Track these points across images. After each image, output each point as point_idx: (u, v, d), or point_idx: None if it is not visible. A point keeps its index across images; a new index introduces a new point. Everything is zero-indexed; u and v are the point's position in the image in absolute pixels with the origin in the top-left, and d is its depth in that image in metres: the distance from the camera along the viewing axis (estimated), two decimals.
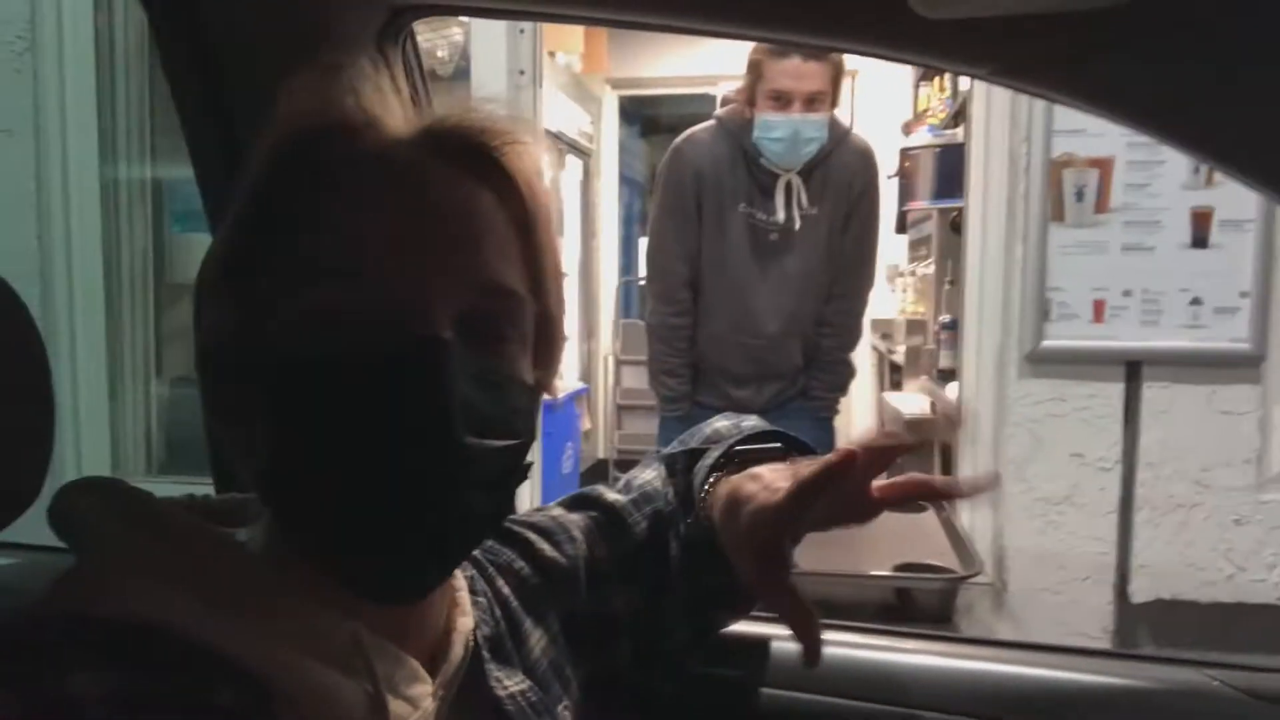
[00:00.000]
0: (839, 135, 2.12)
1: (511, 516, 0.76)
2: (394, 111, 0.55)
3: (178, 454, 2.44)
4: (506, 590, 0.69)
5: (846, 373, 2.26)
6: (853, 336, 2.27)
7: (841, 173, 2.13)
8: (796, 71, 1.99)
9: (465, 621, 0.62)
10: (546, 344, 0.60)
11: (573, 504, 0.81)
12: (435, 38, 2.86)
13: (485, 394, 0.51)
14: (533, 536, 0.74)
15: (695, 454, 0.80)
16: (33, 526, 0.59)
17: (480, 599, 0.66)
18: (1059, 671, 0.93)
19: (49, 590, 0.49)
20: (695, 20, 0.83)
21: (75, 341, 2.24)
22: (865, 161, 2.17)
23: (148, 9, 0.85)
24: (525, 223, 0.57)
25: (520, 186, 0.56)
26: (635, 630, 0.77)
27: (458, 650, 0.60)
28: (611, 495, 0.81)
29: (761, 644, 0.88)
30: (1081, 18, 0.62)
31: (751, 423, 0.81)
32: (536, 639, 0.69)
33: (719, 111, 2.23)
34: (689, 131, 2.22)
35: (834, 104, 2.06)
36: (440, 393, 0.49)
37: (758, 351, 2.16)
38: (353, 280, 0.50)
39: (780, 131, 2.02)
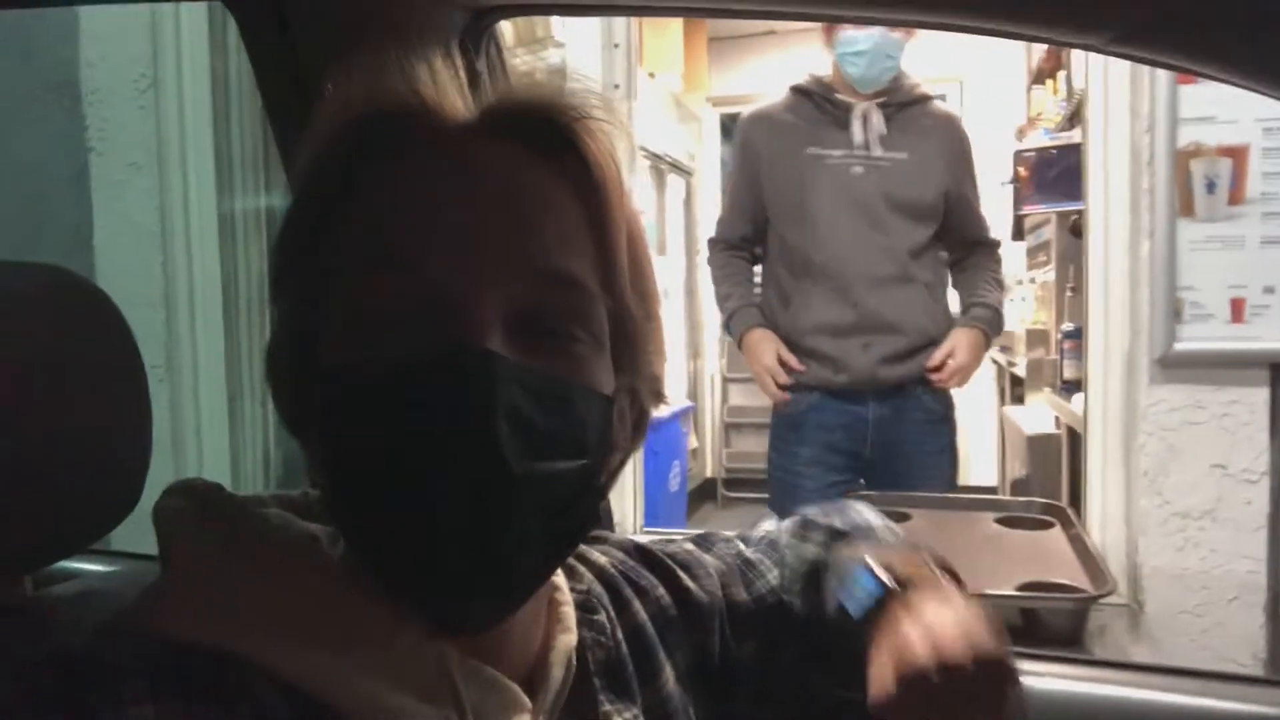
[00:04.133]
0: (919, 94, 2.13)
1: (649, 543, 0.71)
2: (453, 96, 0.51)
3: (294, 470, 2.50)
4: (643, 615, 0.64)
5: (995, 313, 2.17)
6: (1002, 281, 2.25)
7: (929, 128, 2.12)
8: None
9: (567, 639, 0.56)
10: (629, 344, 0.53)
11: (700, 542, 0.75)
12: (533, 60, 2.89)
13: (545, 408, 0.46)
14: (673, 566, 0.69)
15: (834, 533, 0.72)
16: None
17: (598, 617, 0.60)
18: (1207, 700, 0.86)
19: (131, 604, 0.48)
20: (795, 4, 0.80)
21: (197, 363, 2.33)
22: (954, 121, 2.20)
23: (236, 18, 0.86)
24: (597, 206, 0.50)
25: (591, 165, 0.50)
26: (763, 677, 0.70)
27: (556, 672, 0.54)
28: (738, 542, 0.76)
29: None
30: None
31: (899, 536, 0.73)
32: (668, 673, 0.63)
33: (793, 83, 2.23)
34: (754, 105, 2.28)
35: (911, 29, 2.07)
36: (484, 414, 0.43)
37: (856, 295, 2.04)
38: (394, 272, 0.46)
39: (862, 45, 2.01)
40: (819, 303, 2.06)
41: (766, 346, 2.10)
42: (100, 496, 0.69)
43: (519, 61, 2.70)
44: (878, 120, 2.05)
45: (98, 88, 2.31)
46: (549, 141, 0.50)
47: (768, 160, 2.15)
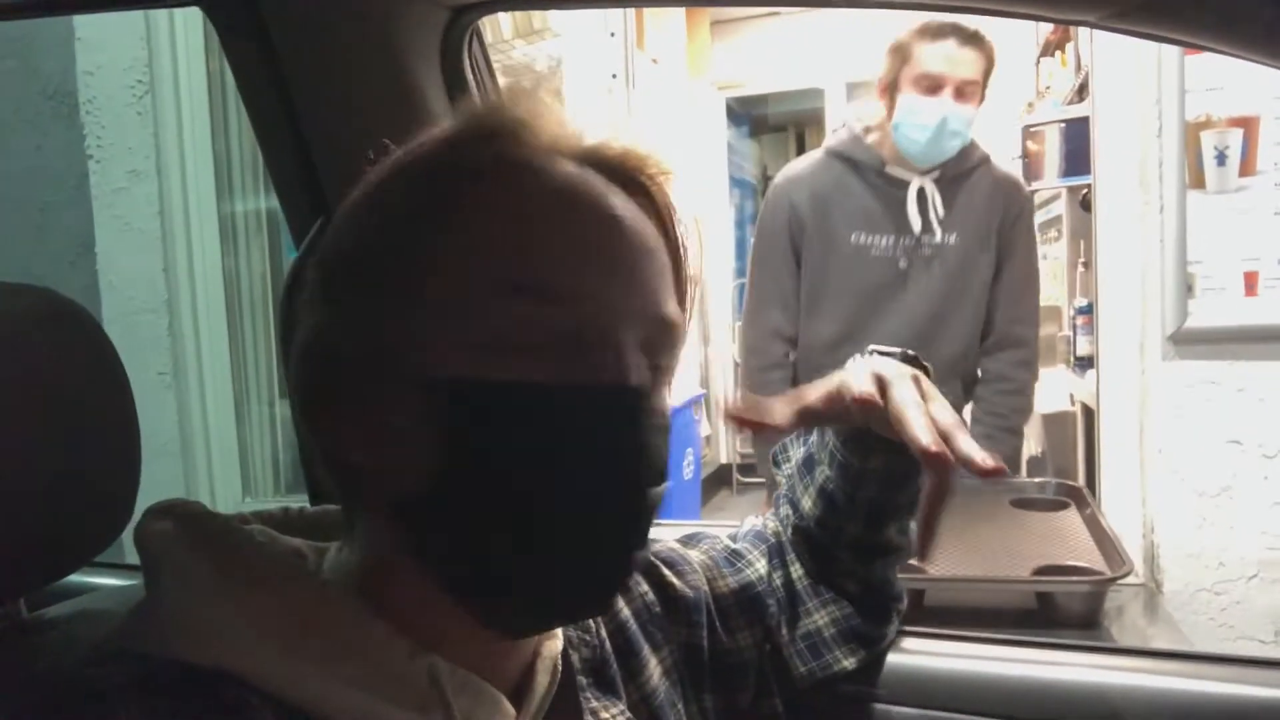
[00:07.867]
0: (979, 158, 1.87)
1: None
2: (560, 127, 0.51)
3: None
4: (626, 613, 0.66)
5: (1014, 444, 1.93)
6: (1029, 398, 1.91)
7: (985, 197, 1.85)
8: (950, 56, 1.74)
9: (552, 645, 0.58)
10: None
11: (684, 540, 0.78)
12: (533, 51, 2.86)
13: (662, 440, 0.50)
14: (657, 563, 0.71)
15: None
16: None
17: None
18: (1230, 685, 0.83)
19: (119, 626, 0.48)
20: None
21: (202, 367, 2.34)
22: (1014, 186, 1.90)
23: (215, 23, 0.85)
24: (674, 253, 0.55)
25: (671, 215, 0.55)
26: (758, 666, 0.73)
27: (542, 679, 0.56)
28: (724, 539, 0.79)
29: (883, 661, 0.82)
30: None
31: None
32: (653, 668, 0.65)
33: (829, 141, 1.97)
34: (788, 166, 1.99)
35: (982, 100, 1.81)
36: (638, 449, 0.47)
37: None
38: (538, 298, 0.46)
39: (927, 116, 1.74)
40: None
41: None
42: (89, 517, 0.69)
43: (517, 53, 2.69)
44: (937, 201, 1.80)
45: (95, 96, 2.30)
46: (642, 189, 0.54)
47: (810, 238, 1.88)
